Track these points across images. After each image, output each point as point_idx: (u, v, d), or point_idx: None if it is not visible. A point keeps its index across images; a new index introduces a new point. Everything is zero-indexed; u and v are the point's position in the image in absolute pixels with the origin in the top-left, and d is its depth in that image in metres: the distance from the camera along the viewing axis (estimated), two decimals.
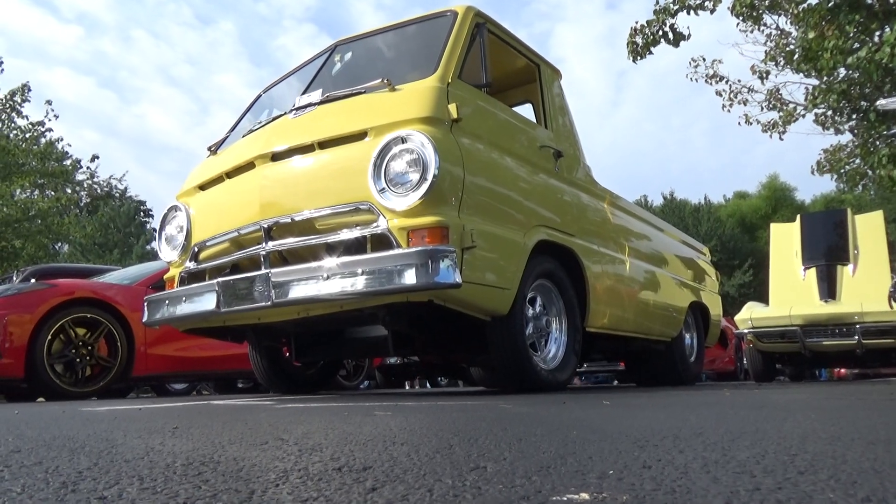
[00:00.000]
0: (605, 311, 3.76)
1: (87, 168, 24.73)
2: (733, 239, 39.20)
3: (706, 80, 7.47)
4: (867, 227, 7.39)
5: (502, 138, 3.20)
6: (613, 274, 3.89)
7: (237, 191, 3.25)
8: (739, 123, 7.61)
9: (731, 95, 7.75)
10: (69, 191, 18.89)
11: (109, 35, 61.15)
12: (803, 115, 7.36)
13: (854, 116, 6.11)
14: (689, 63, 6.82)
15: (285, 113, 3.35)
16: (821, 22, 5.02)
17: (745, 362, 8.83)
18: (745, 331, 7.10)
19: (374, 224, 2.76)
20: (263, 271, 2.91)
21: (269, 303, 2.86)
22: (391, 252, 2.60)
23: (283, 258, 3.09)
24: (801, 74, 6.56)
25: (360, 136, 2.89)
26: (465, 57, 3.14)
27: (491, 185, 2.98)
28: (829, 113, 6.31)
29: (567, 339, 3.38)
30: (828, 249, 7.39)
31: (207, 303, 3.13)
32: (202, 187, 3.54)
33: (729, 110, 7.61)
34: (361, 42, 3.67)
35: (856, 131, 6.76)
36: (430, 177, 2.62)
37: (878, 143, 6.39)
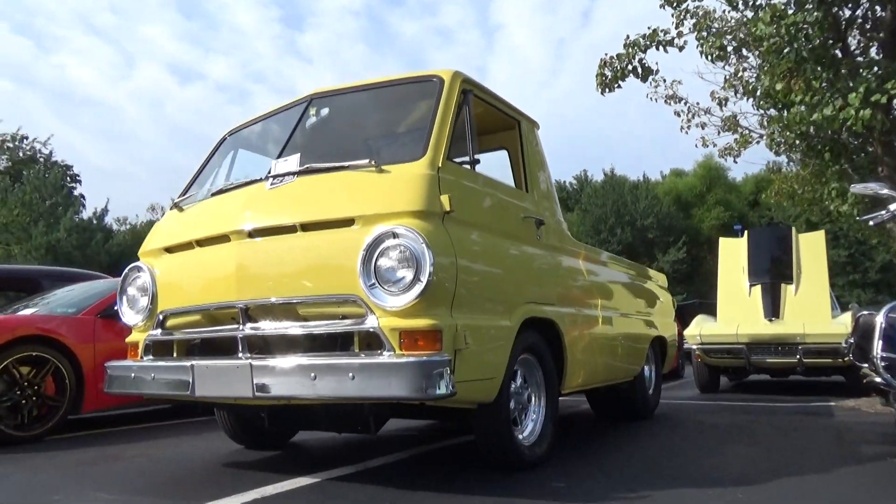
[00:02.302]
0: (579, 373, 3.79)
1: (9, 136, 23.29)
2: (669, 217, 40.37)
3: (665, 101, 7.58)
4: (809, 247, 7.71)
5: (490, 218, 3.13)
6: (588, 334, 3.91)
7: (210, 263, 3.08)
8: (696, 146, 7.76)
9: (689, 117, 7.91)
10: None
11: None
12: (758, 142, 7.58)
13: (810, 154, 6.32)
14: (650, 83, 6.90)
15: (260, 179, 3.17)
16: (788, 74, 5.11)
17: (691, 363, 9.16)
18: (694, 346, 7.35)
19: (362, 318, 2.67)
20: (244, 361, 2.78)
21: (251, 395, 2.75)
22: (384, 360, 2.52)
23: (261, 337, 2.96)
24: (761, 111, 6.71)
25: (346, 222, 2.77)
26: (454, 131, 3.03)
27: (481, 275, 2.92)
28: (782, 141, 6.51)
29: (545, 410, 3.39)
30: (773, 267, 7.68)
31: (179, 385, 2.98)
32: (169, 250, 3.35)
33: (686, 132, 7.77)
34: (339, 98, 3.49)
35: (806, 161, 7.01)
36: (424, 279, 2.54)
37: (828, 176, 6.64)
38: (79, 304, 5.36)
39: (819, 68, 4.94)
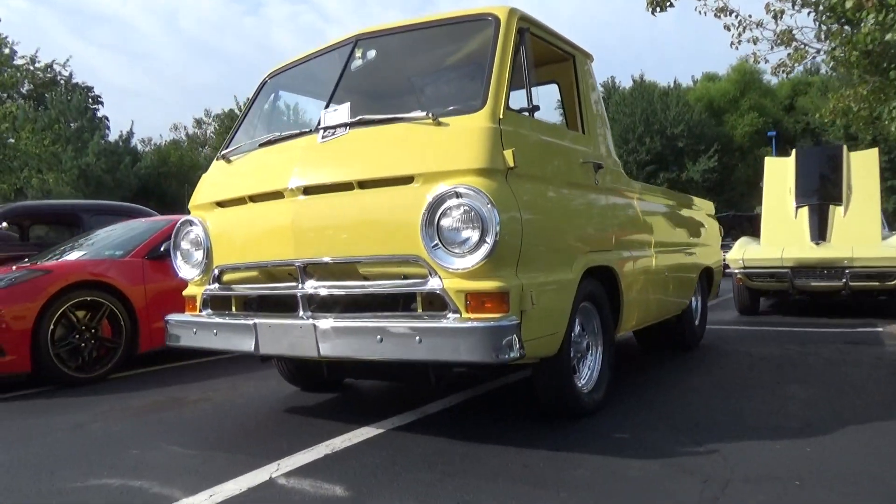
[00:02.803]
0: (634, 315, 3.76)
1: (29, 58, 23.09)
2: (700, 124, 39.19)
3: (714, 14, 7.09)
4: (861, 166, 7.42)
5: (552, 169, 3.02)
6: (643, 276, 3.84)
7: (265, 220, 3.04)
8: (747, 62, 7.31)
9: (740, 31, 7.40)
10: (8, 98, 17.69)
11: None
12: (814, 57, 7.14)
13: (871, 70, 5.92)
14: None
15: (310, 131, 3.07)
16: None
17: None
18: (737, 270, 7.24)
19: (425, 279, 2.64)
20: (308, 321, 2.78)
21: (316, 354, 2.77)
22: (453, 325, 2.49)
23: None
24: (823, 26, 6.23)
25: (405, 180, 2.68)
26: (512, 76, 2.87)
27: (545, 230, 2.83)
28: (844, 57, 6.09)
29: (602, 356, 3.37)
30: (821, 188, 7.44)
31: (243, 342, 3.01)
32: (221, 204, 3.30)
33: (737, 47, 7.30)
34: (386, 39, 3.31)
35: (866, 77, 6.60)
36: (490, 240, 2.48)
37: (889, 94, 6.26)
38: (124, 245, 5.40)
39: None
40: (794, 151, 7.89)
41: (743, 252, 7.26)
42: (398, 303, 2.84)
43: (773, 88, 43.99)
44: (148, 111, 66.47)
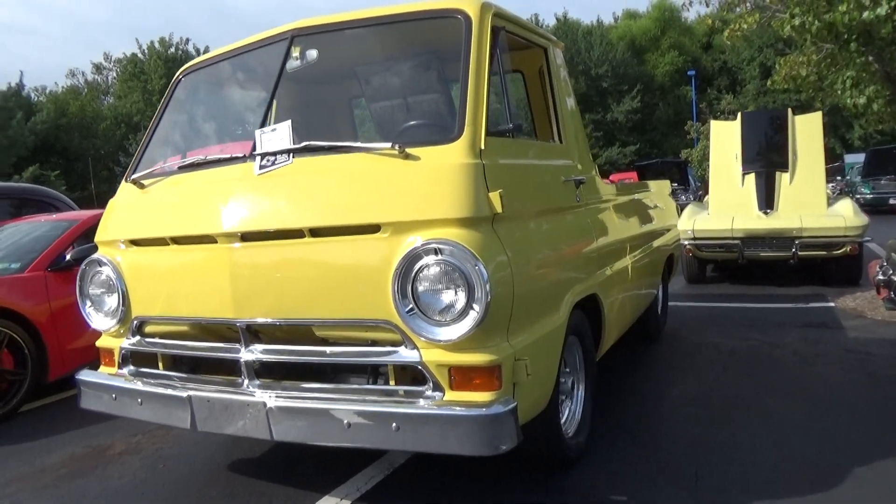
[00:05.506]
0: (613, 334, 3.46)
1: None
2: (623, 64, 39.33)
3: None
4: (806, 130, 7.32)
5: (535, 199, 2.59)
6: (621, 289, 3.52)
7: (195, 268, 2.50)
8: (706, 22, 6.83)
9: None
10: None
11: None
12: (770, 21, 6.83)
13: (830, 39, 5.66)
14: None
15: (244, 157, 2.52)
16: None
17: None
18: (686, 242, 7.08)
19: (397, 346, 2.20)
20: (256, 399, 2.31)
21: (269, 438, 2.31)
22: (437, 412, 2.08)
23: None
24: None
25: (370, 228, 2.20)
26: (489, 91, 2.39)
27: (535, 275, 2.42)
28: (797, 24, 5.79)
29: (585, 391, 3.05)
30: (767, 153, 7.32)
31: (176, 417, 2.51)
32: (136, 242, 2.72)
33: (688, 8, 6.93)
34: (328, 37, 2.73)
35: (820, 45, 6.37)
36: (479, 306, 2.05)
37: (841, 63, 6.05)
38: (20, 255, 4.67)
39: None
40: (739, 115, 7.72)
41: (693, 223, 7.09)
42: (364, 370, 2.40)
43: (692, 26, 44.40)
44: (39, 54, 61.09)
